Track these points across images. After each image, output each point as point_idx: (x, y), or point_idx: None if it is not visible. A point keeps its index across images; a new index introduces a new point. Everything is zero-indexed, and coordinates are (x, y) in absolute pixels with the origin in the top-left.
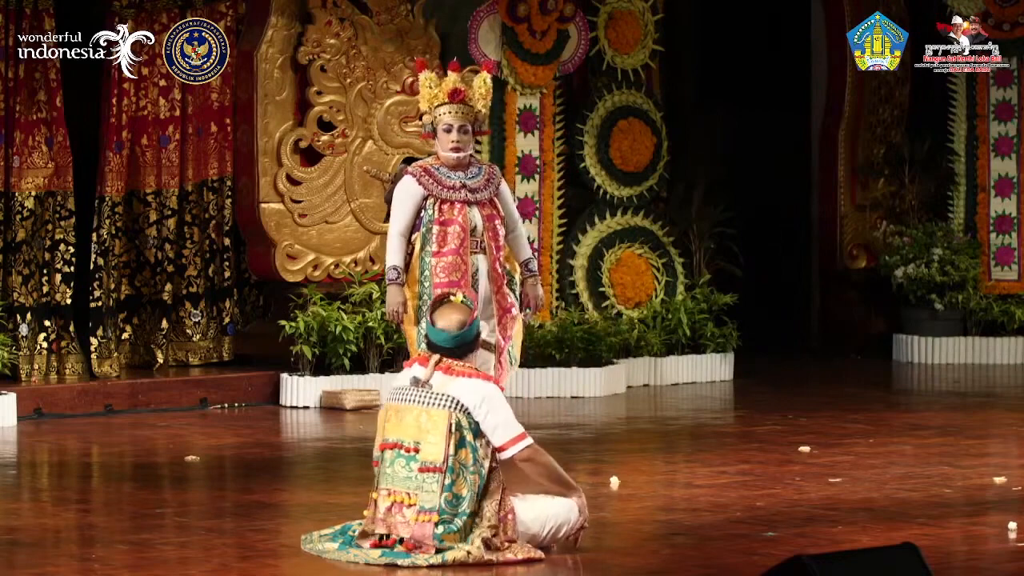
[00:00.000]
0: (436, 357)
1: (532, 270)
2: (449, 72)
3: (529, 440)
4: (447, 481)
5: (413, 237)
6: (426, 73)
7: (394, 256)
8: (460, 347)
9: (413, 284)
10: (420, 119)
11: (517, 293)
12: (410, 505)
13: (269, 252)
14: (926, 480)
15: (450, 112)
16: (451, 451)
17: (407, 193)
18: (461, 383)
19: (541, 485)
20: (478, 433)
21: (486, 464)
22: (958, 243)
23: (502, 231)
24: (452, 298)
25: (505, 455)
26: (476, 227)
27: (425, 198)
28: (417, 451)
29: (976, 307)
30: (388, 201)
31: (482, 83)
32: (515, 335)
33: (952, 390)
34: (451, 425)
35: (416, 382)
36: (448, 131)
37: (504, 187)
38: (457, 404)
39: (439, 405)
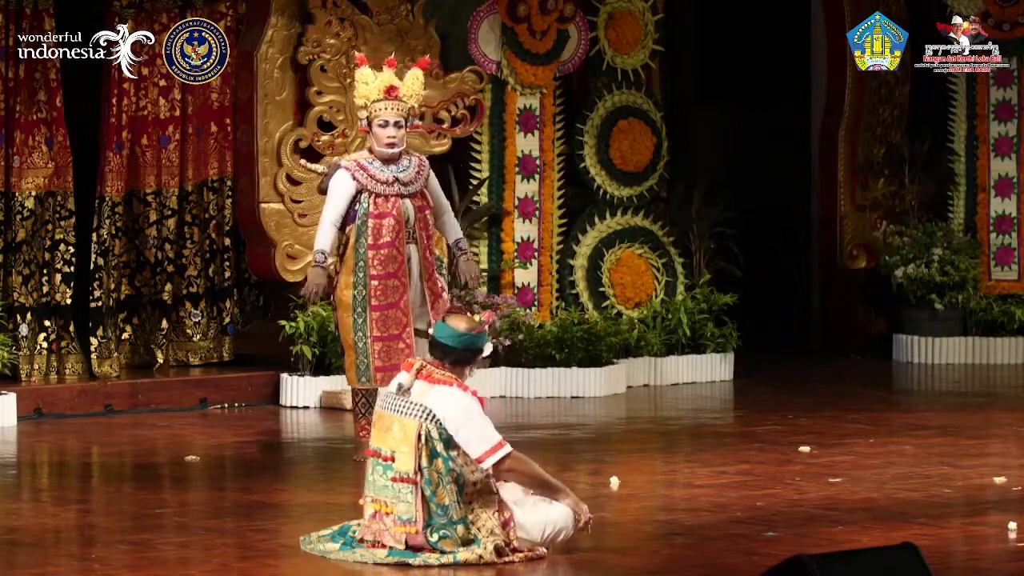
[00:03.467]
0: (419, 363)
1: (463, 248)
2: (385, 68)
3: (507, 449)
4: (428, 492)
5: (348, 229)
6: (363, 69)
7: (323, 242)
8: (460, 350)
9: (348, 274)
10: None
11: (446, 277)
12: (388, 513)
13: (269, 252)
14: (926, 480)
15: (385, 108)
16: (425, 462)
17: (341, 186)
18: (438, 392)
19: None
20: (449, 444)
21: (466, 472)
22: (958, 243)
23: (431, 220)
24: (472, 315)
25: (484, 465)
26: (409, 218)
27: (359, 192)
28: (393, 460)
29: (976, 307)
30: (323, 192)
31: (414, 80)
32: None
33: (952, 390)
34: (420, 436)
35: (399, 388)
36: (384, 126)
37: (432, 177)
38: (429, 414)
39: (412, 415)
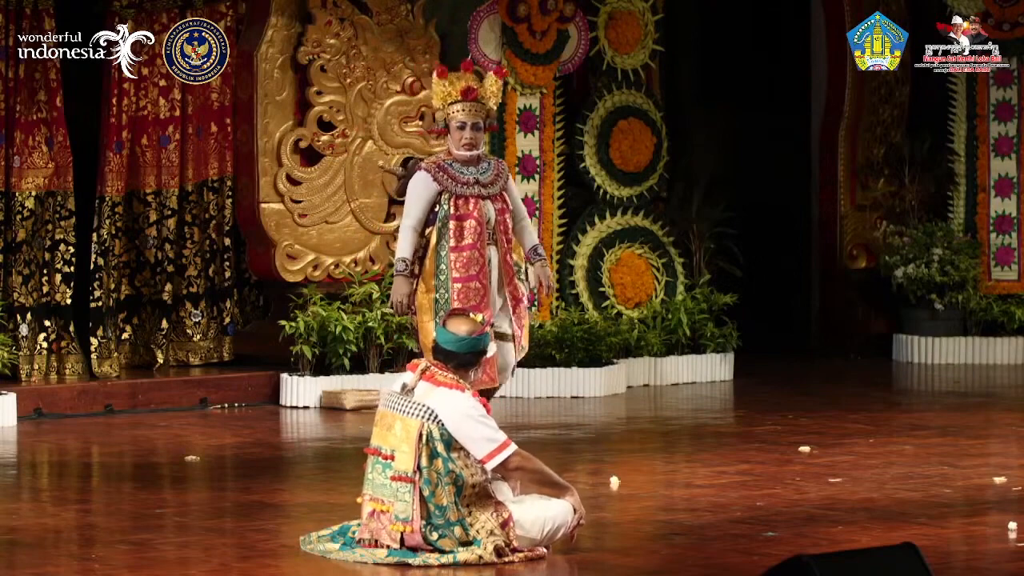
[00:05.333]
0: (424, 364)
1: (540, 255)
2: (462, 70)
3: (512, 448)
4: (427, 492)
5: (428, 231)
6: (447, 78)
7: (404, 249)
8: (463, 353)
9: (429, 278)
10: (433, 117)
11: (527, 284)
12: (385, 512)
13: (269, 252)
14: (926, 480)
15: (463, 110)
16: (425, 462)
17: (422, 188)
18: (441, 394)
19: (534, 489)
20: (451, 445)
21: (465, 475)
22: (958, 243)
23: (511, 224)
24: (471, 315)
25: (489, 466)
26: (490, 220)
27: (439, 194)
28: (392, 459)
29: (976, 307)
30: (399, 195)
31: (493, 82)
32: (525, 323)
33: (952, 390)
34: (421, 436)
35: (403, 388)
36: (462, 128)
37: (511, 181)
38: (431, 415)
39: (414, 415)
